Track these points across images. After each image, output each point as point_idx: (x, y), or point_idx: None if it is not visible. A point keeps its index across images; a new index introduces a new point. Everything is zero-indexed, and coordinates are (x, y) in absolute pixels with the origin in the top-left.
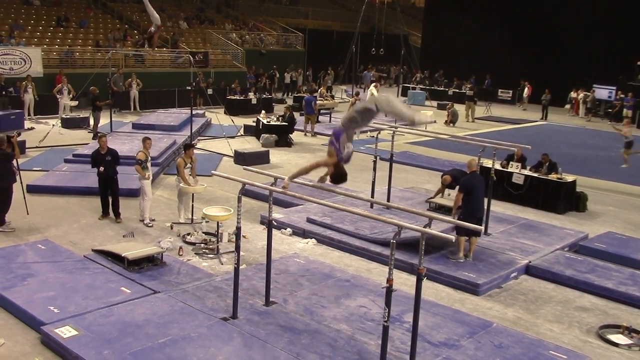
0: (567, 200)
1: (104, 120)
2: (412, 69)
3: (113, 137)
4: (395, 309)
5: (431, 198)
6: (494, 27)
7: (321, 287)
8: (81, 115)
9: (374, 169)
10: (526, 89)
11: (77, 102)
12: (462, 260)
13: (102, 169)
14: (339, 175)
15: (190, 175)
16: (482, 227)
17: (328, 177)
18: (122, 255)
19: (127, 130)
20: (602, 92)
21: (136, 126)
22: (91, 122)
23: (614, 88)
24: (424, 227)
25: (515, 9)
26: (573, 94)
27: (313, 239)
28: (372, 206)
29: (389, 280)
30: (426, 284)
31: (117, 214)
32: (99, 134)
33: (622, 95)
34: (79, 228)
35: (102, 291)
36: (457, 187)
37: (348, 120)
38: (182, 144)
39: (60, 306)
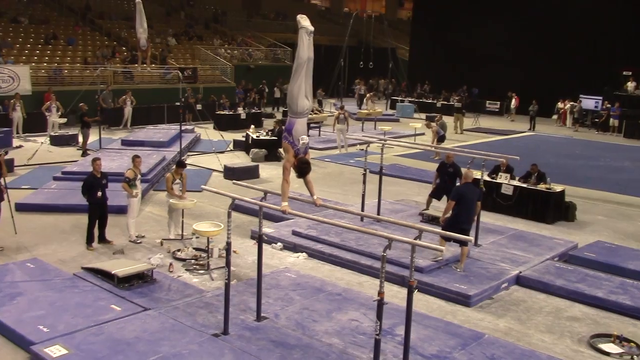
0: (556, 210)
1: (93, 137)
2: (400, 82)
3: (102, 154)
4: (386, 322)
5: (425, 210)
6: (481, 39)
7: (312, 301)
8: (70, 133)
9: (364, 182)
10: (513, 100)
11: (66, 119)
12: (440, 258)
13: (99, 194)
14: (301, 167)
15: (180, 190)
16: (471, 238)
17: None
18: (112, 272)
19: (116, 146)
20: (589, 102)
21: (125, 143)
22: (80, 139)
23: (601, 98)
24: (415, 239)
25: (501, 21)
26: (560, 105)
27: (304, 253)
28: (362, 219)
29: (380, 294)
30: (417, 296)
31: (105, 237)
32: (88, 152)
33: (609, 105)
34: (68, 246)
35: (92, 309)
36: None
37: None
38: (174, 161)
39: (49, 325)
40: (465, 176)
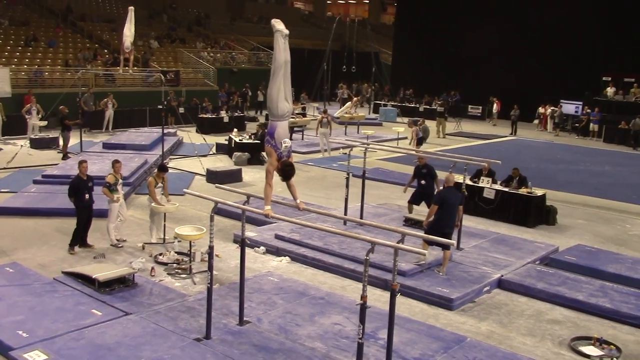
0: (537, 213)
1: (74, 140)
2: (383, 86)
3: (83, 157)
4: (369, 326)
5: (409, 215)
6: (463, 44)
7: (295, 305)
8: (50, 136)
9: (347, 186)
10: (495, 105)
11: (47, 122)
12: (423, 262)
13: (87, 196)
14: (285, 170)
15: (162, 194)
16: (453, 242)
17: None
18: (93, 277)
19: (97, 150)
20: (569, 107)
21: (107, 146)
22: (61, 142)
23: (581, 103)
24: (397, 242)
25: (484, 27)
26: (541, 110)
27: (286, 257)
28: (345, 223)
29: (363, 297)
30: (400, 299)
31: (86, 241)
32: (68, 155)
33: (589, 110)
34: (48, 250)
35: (72, 314)
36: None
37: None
38: (156, 164)
39: (29, 330)
40: (447, 180)
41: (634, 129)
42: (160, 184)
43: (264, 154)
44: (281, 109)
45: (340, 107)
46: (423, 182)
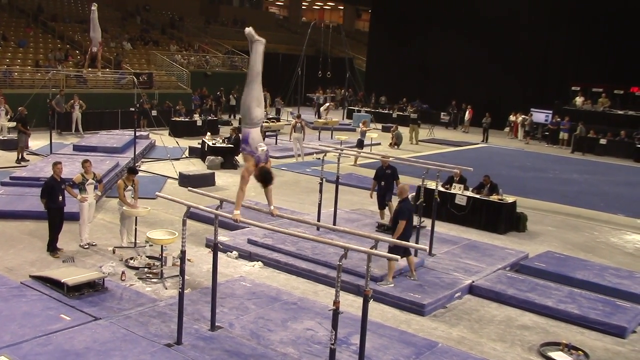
0: (508, 220)
1: (44, 141)
2: (357, 91)
3: (53, 159)
4: (342, 331)
5: (381, 221)
6: (437, 51)
7: (268, 310)
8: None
9: (320, 191)
10: (467, 113)
11: (15, 123)
12: (392, 285)
13: (60, 198)
14: (263, 175)
15: (132, 197)
16: (425, 247)
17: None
18: (62, 281)
19: (67, 152)
20: (539, 116)
21: (77, 148)
22: (29, 144)
23: (551, 112)
24: (370, 248)
25: (457, 35)
26: (512, 118)
27: (259, 262)
28: (318, 229)
29: (336, 303)
30: (372, 305)
31: (56, 245)
32: (26, 159)
33: (559, 119)
34: (16, 253)
35: (40, 319)
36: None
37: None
38: (127, 167)
39: None
40: (404, 191)
41: (580, 135)
42: (130, 187)
43: (237, 158)
44: (255, 115)
45: (316, 113)
46: (383, 182)
